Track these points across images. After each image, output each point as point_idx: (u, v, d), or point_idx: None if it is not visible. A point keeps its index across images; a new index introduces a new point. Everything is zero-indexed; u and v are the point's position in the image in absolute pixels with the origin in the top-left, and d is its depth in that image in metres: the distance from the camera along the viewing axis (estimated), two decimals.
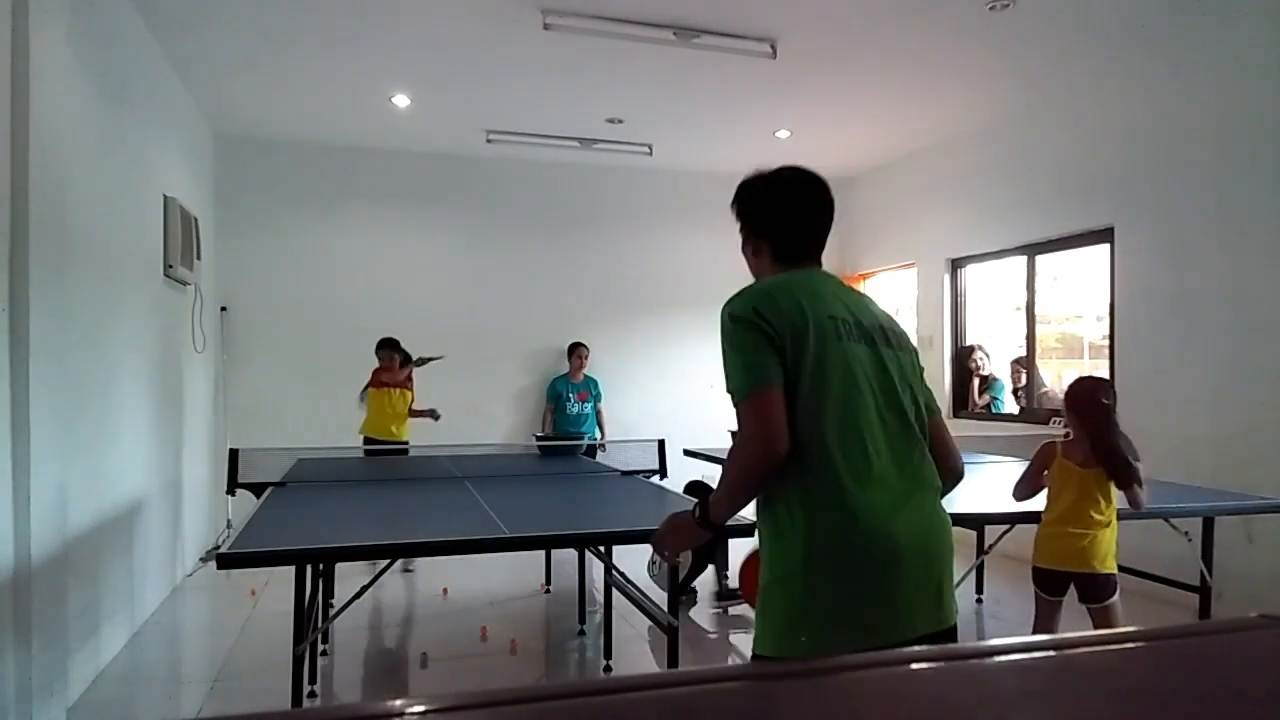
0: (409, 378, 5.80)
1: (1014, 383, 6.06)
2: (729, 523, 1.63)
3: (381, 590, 4.82)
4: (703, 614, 4.35)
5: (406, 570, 5.32)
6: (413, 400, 5.82)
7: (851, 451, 1.48)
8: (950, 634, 1.55)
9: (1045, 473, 2.95)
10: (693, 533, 1.67)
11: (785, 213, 1.68)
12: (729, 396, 1.53)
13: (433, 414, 5.75)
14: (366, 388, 5.82)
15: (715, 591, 4.39)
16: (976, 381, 6.19)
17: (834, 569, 1.46)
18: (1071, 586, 2.91)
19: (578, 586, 4.27)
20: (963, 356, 6.38)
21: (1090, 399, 2.87)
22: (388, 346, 5.78)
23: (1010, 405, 6.09)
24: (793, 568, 1.48)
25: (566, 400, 6.72)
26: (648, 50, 4.58)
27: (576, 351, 6.80)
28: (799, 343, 1.49)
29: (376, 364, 5.80)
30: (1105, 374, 5.00)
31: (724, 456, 5.22)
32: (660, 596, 2.89)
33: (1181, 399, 4.49)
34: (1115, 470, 2.80)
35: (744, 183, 1.72)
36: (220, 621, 4.31)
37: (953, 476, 1.69)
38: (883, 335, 1.60)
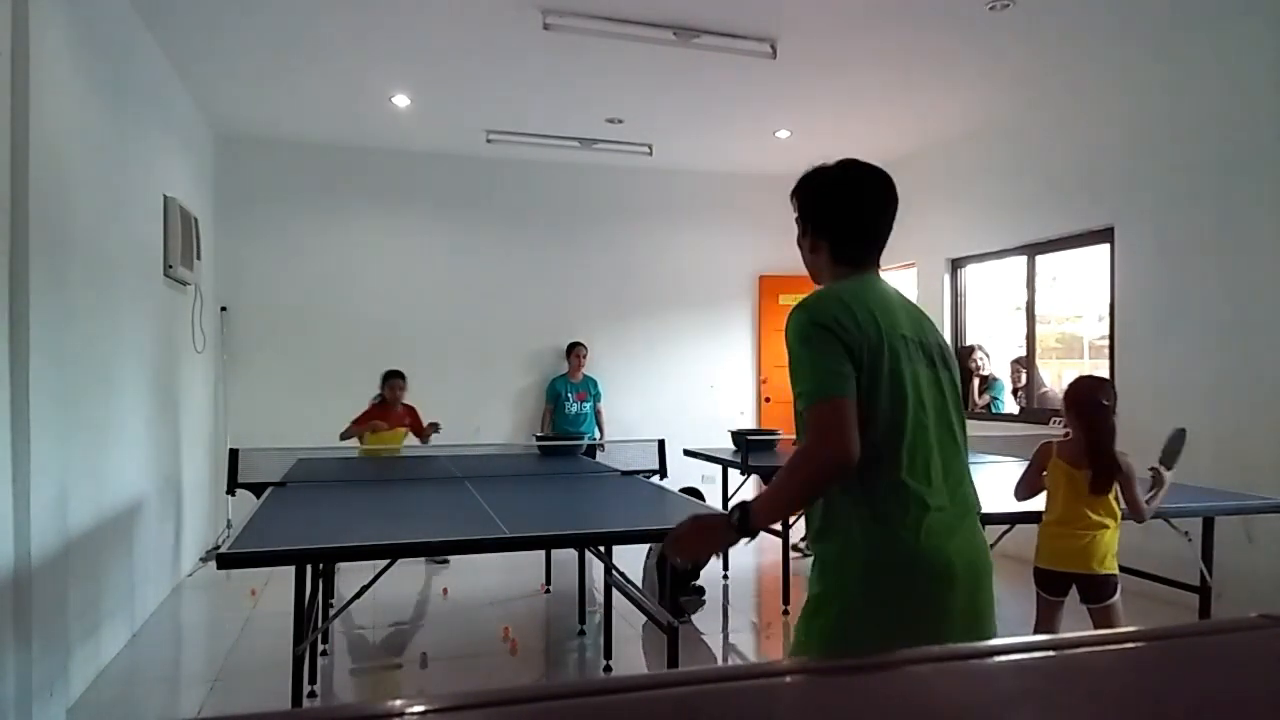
0: (409, 418, 5.49)
1: (1014, 383, 6.06)
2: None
3: (381, 590, 4.82)
4: (703, 614, 4.35)
5: (439, 562, 5.38)
6: (410, 430, 5.50)
7: (917, 471, 1.49)
8: None
9: (1044, 473, 2.95)
10: (721, 538, 1.59)
11: (848, 213, 1.63)
12: (797, 399, 1.50)
13: (435, 428, 5.49)
14: (357, 428, 5.27)
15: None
16: (976, 381, 6.19)
17: (893, 586, 1.47)
18: (1073, 587, 2.91)
19: (578, 586, 4.27)
20: (963, 356, 6.37)
21: (1089, 399, 2.86)
22: (399, 378, 5.44)
23: (1010, 405, 6.09)
24: (852, 579, 1.49)
25: (566, 400, 6.73)
26: (648, 50, 4.58)
27: (575, 351, 6.80)
28: (875, 358, 1.48)
29: (373, 388, 5.50)
30: (1105, 374, 4.99)
31: (724, 456, 5.22)
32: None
33: (1181, 399, 4.49)
34: (1097, 473, 2.79)
35: (806, 175, 1.67)
36: (220, 621, 4.31)
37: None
38: (940, 356, 1.61)
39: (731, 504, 1.63)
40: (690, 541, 1.63)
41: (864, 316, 1.50)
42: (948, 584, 1.48)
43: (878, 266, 1.67)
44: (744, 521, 1.51)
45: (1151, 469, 3.05)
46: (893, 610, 1.46)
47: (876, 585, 1.47)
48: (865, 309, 1.51)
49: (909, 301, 1.68)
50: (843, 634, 1.48)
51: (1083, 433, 2.84)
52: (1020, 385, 5.97)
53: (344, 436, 5.19)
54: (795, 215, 1.70)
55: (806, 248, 1.69)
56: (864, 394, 1.47)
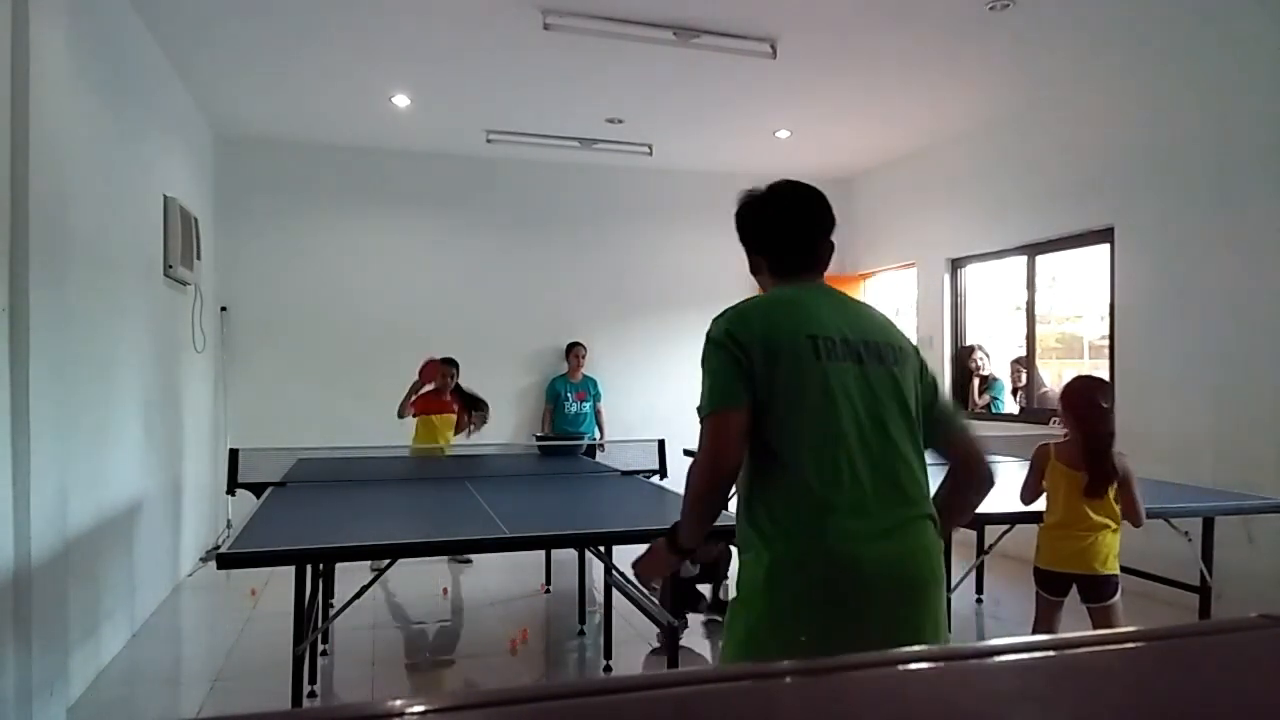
0: (455, 402, 5.62)
1: (1014, 383, 6.06)
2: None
3: (381, 590, 4.83)
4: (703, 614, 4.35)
5: (462, 561, 5.39)
6: (458, 420, 5.66)
7: (824, 473, 1.45)
8: None
9: (1044, 477, 2.94)
10: (665, 558, 1.67)
11: (776, 228, 1.69)
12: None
13: (482, 419, 5.61)
14: (409, 403, 5.54)
15: (708, 604, 4.28)
16: (976, 381, 6.19)
17: (795, 592, 1.45)
18: (1074, 587, 2.91)
19: (578, 586, 4.27)
20: (963, 356, 6.38)
21: (1084, 400, 2.84)
22: (451, 365, 5.59)
23: (1010, 405, 6.09)
24: (756, 587, 1.48)
25: (565, 400, 6.72)
26: (648, 50, 4.58)
27: (574, 351, 6.80)
28: (771, 362, 1.48)
29: (418, 375, 5.60)
30: (1105, 374, 4.99)
31: None
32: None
33: (1181, 399, 4.49)
34: (1093, 477, 2.77)
35: (741, 202, 1.73)
36: (220, 621, 4.31)
37: (984, 484, 1.67)
38: (875, 351, 1.55)
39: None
40: (647, 564, 1.73)
41: (761, 323, 1.52)
42: (860, 591, 1.43)
43: (819, 275, 1.69)
44: (672, 541, 1.63)
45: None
46: (799, 620, 1.44)
47: (779, 590, 1.45)
48: (766, 315, 1.55)
49: (846, 301, 1.65)
50: (754, 643, 1.47)
51: (1079, 435, 2.83)
52: (1020, 385, 5.97)
53: (401, 414, 5.52)
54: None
55: (753, 269, 1.75)
56: (763, 400, 1.48)
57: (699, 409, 1.55)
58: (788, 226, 1.68)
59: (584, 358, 6.81)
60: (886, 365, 1.56)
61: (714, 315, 1.61)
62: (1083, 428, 2.81)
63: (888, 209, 7.20)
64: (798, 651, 1.42)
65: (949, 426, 1.65)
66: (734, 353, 1.50)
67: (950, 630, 1.58)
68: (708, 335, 1.57)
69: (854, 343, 1.54)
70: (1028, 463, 3.05)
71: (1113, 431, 2.81)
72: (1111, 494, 2.81)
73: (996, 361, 6.25)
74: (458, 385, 5.64)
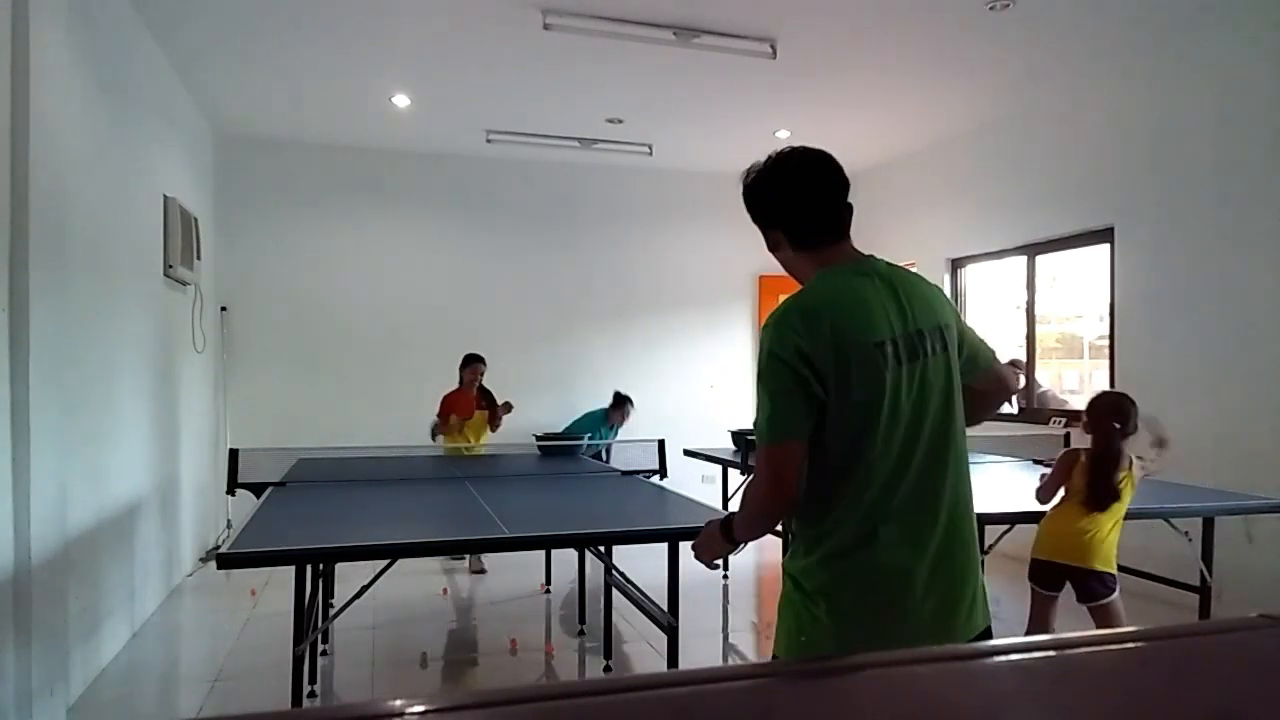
0: (482, 402, 5.57)
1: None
2: None
3: (381, 590, 4.82)
4: (703, 614, 4.35)
5: (477, 571, 5.32)
6: (489, 417, 5.62)
7: (880, 489, 1.46)
8: (985, 635, 1.60)
9: (1063, 485, 2.95)
10: (720, 544, 1.68)
11: (789, 196, 1.59)
12: (754, 429, 1.53)
13: (508, 408, 5.57)
14: (442, 419, 5.50)
15: None
16: None
17: (850, 601, 1.48)
18: (1067, 584, 2.91)
19: (578, 586, 4.27)
20: None
21: (1099, 417, 2.89)
22: (478, 361, 5.54)
23: (1008, 406, 6.09)
24: (813, 588, 1.50)
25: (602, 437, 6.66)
26: (648, 50, 4.58)
27: (621, 408, 6.67)
28: (842, 375, 1.43)
29: (452, 383, 5.58)
30: (1105, 374, 5.00)
31: (724, 456, 5.23)
32: (660, 596, 2.89)
33: (1181, 399, 4.48)
34: (1093, 491, 2.81)
35: (747, 178, 1.64)
36: (220, 621, 4.31)
37: (1009, 396, 1.77)
38: (933, 340, 1.52)
39: (727, 512, 1.69)
40: (704, 548, 1.76)
41: (830, 332, 1.44)
42: (912, 597, 1.47)
43: (848, 238, 1.60)
44: (728, 533, 1.64)
45: (1155, 441, 3.05)
46: (851, 625, 1.47)
47: (834, 599, 1.48)
48: (833, 322, 1.45)
49: (895, 277, 1.56)
50: (802, 639, 1.51)
51: (1091, 449, 2.87)
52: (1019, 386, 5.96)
53: (434, 436, 5.52)
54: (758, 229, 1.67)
55: (772, 247, 1.65)
56: (832, 411, 1.45)
57: (756, 429, 1.50)
58: (802, 192, 1.58)
59: (482, 374, 6.67)
60: (938, 353, 1.53)
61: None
62: (1093, 443, 2.87)
63: (888, 209, 7.20)
64: (840, 645, 1.46)
65: (982, 367, 1.68)
66: (801, 373, 1.43)
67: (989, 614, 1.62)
68: (770, 348, 1.46)
69: (910, 336, 1.50)
70: (1028, 463, 3.05)
71: (1119, 453, 2.83)
72: (1123, 497, 2.84)
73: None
74: (483, 387, 5.61)
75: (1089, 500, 2.81)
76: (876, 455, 1.45)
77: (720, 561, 1.76)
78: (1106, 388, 4.79)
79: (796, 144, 1.63)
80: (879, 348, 1.45)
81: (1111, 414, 2.85)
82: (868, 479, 1.46)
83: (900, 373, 1.47)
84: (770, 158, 1.61)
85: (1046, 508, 2.99)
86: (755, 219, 1.66)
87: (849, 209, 1.60)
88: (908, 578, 1.46)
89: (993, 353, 1.71)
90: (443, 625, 4.34)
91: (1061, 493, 2.95)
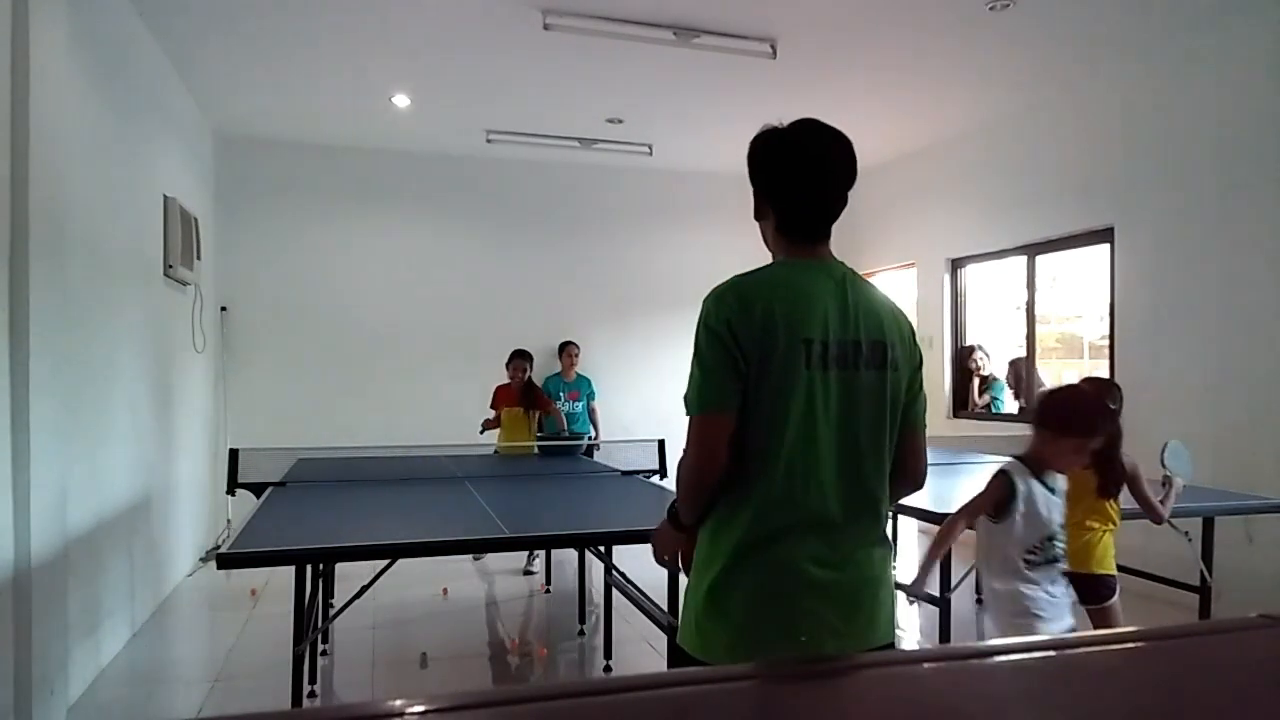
0: (528, 397, 5.58)
1: (1012, 383, 6.05)
2: None
3: (381, 590, 4.82)
4: None
5: (529, 572, 5.36)
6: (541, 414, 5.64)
7: (793, 490, 1.45)
8: (887, 649, 1.55)
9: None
10: (671, 535, 1.64)
11: (795, 179, 1.53)
12: (684, 401, 1.52)
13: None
14: (490, 423, 5.56)
15: None
16: (976, 381, 6.19)
17: (747, 594, 1.46)
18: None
19: (578, 586, 4.27)
20: (963, 357, 6.38)
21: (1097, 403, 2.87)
22: (520, 358, 5.58)
23: (1010, 405, 6.09)
24: (714, 575, 1.48)
25: (558, 399, 6.71)
26: (648, 50, 4.58)
27: (567, 350, 6.79)
28: (765, 363, 1.43)
29: (500, 380, 5.62)
30: (1105, 374, 4.99)
31: None
32: (661, 596, 2.89)
33: (1181, 399, 4.49)
34: (1104, 478, 2.79)
35: (757, 135, 1.58)
36: (220, 621, 4.31)
37: (910, 484, 1.62)
38: (870, 353, 1.49)
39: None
40: (657, 543, 1.72)
41: (762, 317, 1.43)
42: (801, 606, 1.44)
43: (825, 242, 1.56)
44: (675, 520, 1.61)
45: (1164, 477, 3.04)
46: (740, 611, 1.46)
47: (733, 587, 1.46)
48: (766, 306, 1.44)
49: (850, 286, 1.52)
50: (701, 628, 1.50)
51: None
52: (1016, 385, 5.96)
53: (482, 430, 5.53)
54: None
55: (756, 213, 1.62)
56: (749, 396, 1.45)
57: (686, 400, 1.50)
58: (807, 178, 1.53)
59: (577, 356, 6.80)
60: (877, 368, 1.50)
61: (713, 288, 1.50)
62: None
63: (888, 209, 7.20)
64: (742, 646, 1.45)
65: (909, 426, 1.58)
66: (730, 349, 1.43)
67: (894, 631, 1.58)
68: (705, 319, 1.47)
69: (848, 343, 1.47)
70: None
71: (1120, 433, 2.83)
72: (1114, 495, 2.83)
73: (997, 361, 6.24)
74: (529, 380, 5.62)
75: (1101, 488, 2.80)
76: (789, 451, 1.44)
77: (681, 566, 1.70)
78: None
79: (836, 123, 1.56)
80: (806, 344, 1.44)
81: (1105, 397, 2.85)
82: (778, 474, 1.44)
83: (823, 376, 1.46)
84: (790, 126, 1.55)
85: None
86: (752, 180, 1.61)
87: (842, 208, 1.57)
88: (809, 580, 1.44)
89: (920, 420, 1.60)
90: (443, 625, 4.34)
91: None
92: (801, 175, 1.54)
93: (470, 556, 5.41)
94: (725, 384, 1.45)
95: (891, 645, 1.57)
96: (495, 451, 5.36)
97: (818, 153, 1.54)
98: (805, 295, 1.48)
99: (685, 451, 1.51)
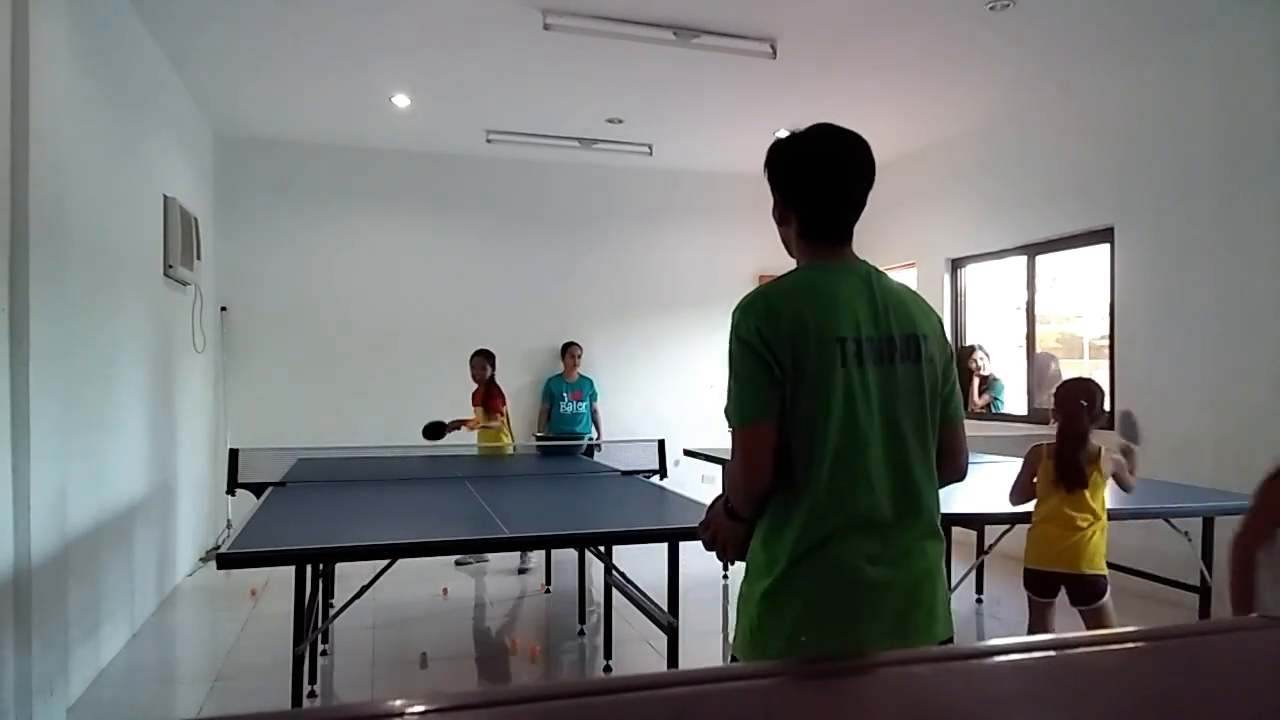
0: (488, 397, 5.57)
1: (1038, 380, 5.97)
2: None
3: (381, 590, 4.82)
4: (703, 614, 4.35)
5: (523, 570, 5.40)
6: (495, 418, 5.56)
7: (839, 490, 1.44)
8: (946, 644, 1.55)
9: (1035, 478, 2.96)
10: (726, 522, 1.61)
11: (816, 183, 1.55)
12: (725, 413, 1.53)
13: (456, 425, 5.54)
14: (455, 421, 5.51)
15: None
16: (976, 381, 6.18)
17: (800, 599, 1.45)
18: (1062, 588, 2.92)
19: (578, 586, 4.27)
20: (963, 357, 6.37)
21: (1065, 399, 2.91)
22: (477, 355, 5.62)
23: (1015, 406, 6.08)
24: (769, 582, 1.48)
25: (561, 400, 6.72)
26: (648, 50, 4.58)
27: (570, 351, 6.80)
28: (798, 368, 1.44)
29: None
30: (1105, 374, 5.00)
31: (724, 456, 5.23)
32: (661, 596, 2.89)
33: (1181, 399, 4.49)
34: (1060, 469, 2.84)
35: (777, 142, 1.59)
36: (220, 621, 4.31)
37: (955, 476, 1.64)
38: (904, 347, 1.50)
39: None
40: (713, 522, 1.64)
41: (792, 320, 1.44)
42: (863, 607, 1.44)
43: (848, 243, 1.59)
44: (730, 511, 1.59)
45: (1122, 446, 3.08)
46: (801, 622, 1.44)
47: (786, 597, 1.46)
48: (795, 312, 1.45)
49: (878, 283, 1.55)
50: (758, 636, 1.48)
51: (1057, 431, 2.89)
52: (1039, 382, 5.90)
53: (444, 429, 5.40)
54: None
55: (778, 217, 1.63)
56: (787, 402, 1.45)
57: (727, 413, 1.51)
58: (829, 182, 1.55)
59: (579, 357, 6.80)
60: (914, 361, 1.51)
61: (727, 311, 1.52)
62: (1059, 422, 2.90)
63: (888, 209, 7.19)
64: (799, 648, 1.44)
65: (950, 423, 1.60)
66: (764, 357, 1.44)
67: (952, 626, 1.57)
68: (736, 332, 1.48)
69: (881, 339, 1.48)
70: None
71: (1085, 429, 2.85)
72: (1094, 492, 2.84)
73: (998, 361, 6.23)
74: (488, 379, 5.63)
75: (1058, 480, 2.84)
76: (834, 451, 1.44)
77: (730, 554, 1.66)
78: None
79: (837, 123, 1.57)
80: (839, 343, 1.45)
81: (1078, 395, 2.88)
82: (825, 476, 1.44)
83: (860, 373, 1.46)
84: (809, 131, 1.56)
85: (1027, 507, 3.00)
86: (774, 187, 1.61)
87: (862, 209, 1.59)
88: (866, 581, 1.44)
89: (959, 414, 1.63)
90: (443, 625, 4.34)
91: (1036, 501, 2.96)
92: (824, 179, 1.55)
93: (453, 561, 5.40)
94: (763, 393, 1.45)
95: (950, 640, 1.56)
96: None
97: (838, 156, 1.55)
98: (833, 296, 1.49)
99: (734, 464, 1.51)
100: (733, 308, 1.53)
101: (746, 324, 1.47)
